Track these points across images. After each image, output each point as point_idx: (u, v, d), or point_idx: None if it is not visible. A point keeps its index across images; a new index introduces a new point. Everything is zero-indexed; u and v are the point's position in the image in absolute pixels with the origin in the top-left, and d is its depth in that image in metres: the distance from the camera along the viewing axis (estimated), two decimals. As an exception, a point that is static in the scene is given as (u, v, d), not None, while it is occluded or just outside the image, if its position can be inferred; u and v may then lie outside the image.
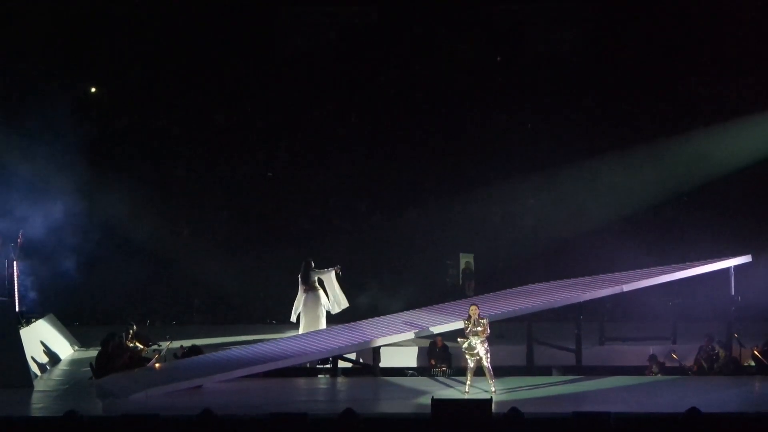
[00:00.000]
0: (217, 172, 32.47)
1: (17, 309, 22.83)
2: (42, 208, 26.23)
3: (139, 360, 21.73)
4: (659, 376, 21.60)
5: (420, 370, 22.73)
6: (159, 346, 22.95)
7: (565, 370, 22.20)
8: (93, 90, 32.25)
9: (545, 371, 22.29)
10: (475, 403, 16.32)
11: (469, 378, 19.13)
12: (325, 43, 33.91)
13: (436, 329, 21.30)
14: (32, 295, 24.83)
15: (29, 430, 16.52)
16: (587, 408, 17.11)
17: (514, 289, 24.37)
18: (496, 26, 33.90)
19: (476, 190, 31.70)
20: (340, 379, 21.68)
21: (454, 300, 25.02)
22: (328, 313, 24.57)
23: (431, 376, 21.67)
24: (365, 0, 34.29)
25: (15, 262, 23.37)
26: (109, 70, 32.06)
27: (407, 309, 24.50)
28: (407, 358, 23.32)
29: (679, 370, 22.15)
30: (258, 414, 16.51)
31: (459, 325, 20.74)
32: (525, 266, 29.38)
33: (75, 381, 21.09)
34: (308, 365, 22.21)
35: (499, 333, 19.76)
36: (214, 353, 22.13)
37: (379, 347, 21.51)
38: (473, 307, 19.11)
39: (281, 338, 23.19)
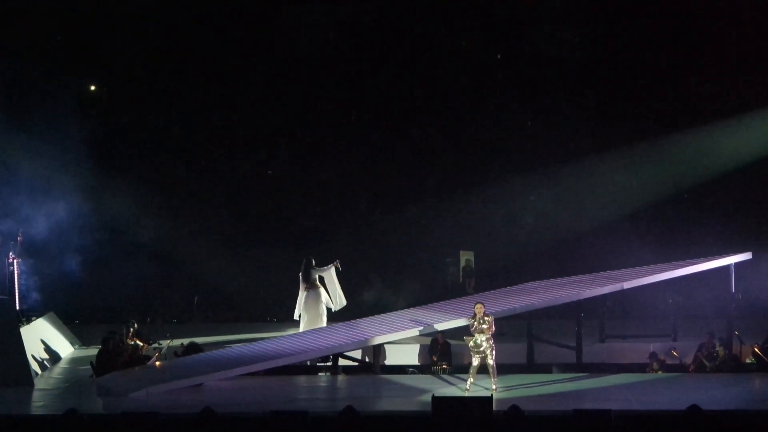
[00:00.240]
0: (217, 170, 32.47)
1: (18, 307, 22.84)
2: (42, 207, 26.25)
3: (139, 358, 21.75)
4: (660, 374, 21.60)
5: (420, 368, 22.74)
6: (159, 344, 22.98)
7: (566, 367, 22.20)
8: (92, 88, 32.22)
9: (546, 369, 22.30)
10: (475, 401, 16.32)
11: (471, 376, 19.14)
12: (325, 42, 33.87)
13: (437, 327, 21.31)
14: (33, 293, 24.84)
15: (30, 429, 16.52)
16: (588, 405, 17.13)
17: (514, 287, 24.39)
18: (497, 24, 33.86)
19: (476, 188, 31.71)
20: (340, 377, 21.69)
21: (455, 298, 25.03)
22: (329, 310, 24.58)
23: (432, 373, 21.68)
24: (365, -2, 34.29)
25: (15, 261, 23.39)
26: (108, 68, 32.03)
27: (408, 307, 24.52)
28: (409, 355, 23.33)
29: (680, 368, 22.15)
30: (259, 412, 16.49)
31: (460, 322, 20.80)
32: (525, 264, 29.40)
33: (75, 379, 21.11)
34: (309, 363, 22.22)
35: (500, 331, 19.74)
36: (214, 351, 22.15)
37: (379, 345, 21.52)
38: (479, 305, 19.15)
39: (282, 336, 23.20)
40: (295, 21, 33.78)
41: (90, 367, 21.19)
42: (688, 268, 22.71)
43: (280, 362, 20.46)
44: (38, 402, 18.93)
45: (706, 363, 21.77)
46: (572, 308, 22.86)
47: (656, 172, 31.61)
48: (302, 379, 21.56)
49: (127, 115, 32.19)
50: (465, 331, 19.56)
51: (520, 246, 30.40)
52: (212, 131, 32.94)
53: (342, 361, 22.05)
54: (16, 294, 23.23)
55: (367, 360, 22.59)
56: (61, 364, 23.01)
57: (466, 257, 30.53)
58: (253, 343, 22.58)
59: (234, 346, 22.74)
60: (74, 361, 23.42)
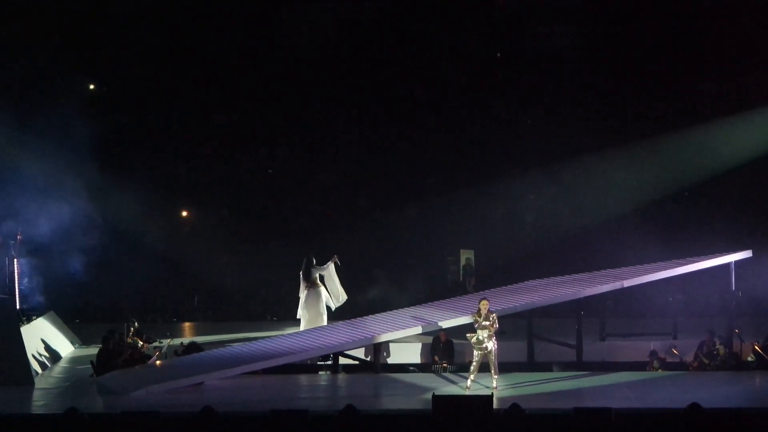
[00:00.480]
0: (217, 169, 32.47)
1: (18, 307, 22.84)
2: (42, 206, 26.24)
3: (139, 357, 21.74)
4: (660, 372, 21.59)
5: (421, 367, 22.74)
6: (160, 343, 22.97)
7: (566, 366, 22.18)
8: (92, 87, 32.22)
9: (546, 367, 22.27)
10: (476, 400, 16.33)
11: (472, 374, 19.15)
12: (326, 40, 33.88)
13: (438, 325, 21.31)
14: (33, 292, 24.84)
15: (30, 428, 16.52)
16: (588, 404, 17.14)
17: (514, 285, 24.38)
18: (497, 22, 33.87)
19: (477, 187, 31.70)
20: (340, 376, 21.68)
21: (455, 296, 25.02)
22: (329, 309, 24.58)
23: (432, 372, 21.68)
24: (366, -4, 34.31)
25: (15, 260, 23.39)
26: (108, 68, 32.03)
27: (408, 305, 24.51)
28: (410, 354, 23.33)
29: (680, 366, 22.14)
30: (259, 411, 16.49)
31: (461, 320, 20.82)
32: (525, 262, 29.39)
33: (76, 378, 21.10)
34: (309, 362, 22.22)
35: (500, 329, 19.76)
36: (214, 350, 22.15)
37: (380, 343, 21.52)
38: (485, 302, 19.18)
39: (282, 335, 23.20)
40: (296, 20, 33.81)
41: (90, 366, 21.18)
42: (689, 266, 22.71)
43: (281, 361, 20.46)
44: (39, 401, 18.93)
45: (706, 361, 21.76)
46: (572, 306, 22.86)
47: (657, 170, 31.63)
48: (303, 378, 21.55)
49: (127, 114, 32.21)
50: (467, 330, 19.57)
51: (520, 244, 30.40)
52: (212, 130, 32.96)
53: (342, 360, 22.05)
54: (17, 293, 23.23)
55: (369, 359, 22.57)
56: (62, 363, 23.00)
57: (466, 255, 30.53)
58: (254, 342, 22.57)
59: (234, 345, 22.73)
60: (74, 360, 23.41)
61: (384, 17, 33.84)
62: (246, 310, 30.09)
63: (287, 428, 15.61)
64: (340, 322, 23.52)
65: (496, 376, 19.11)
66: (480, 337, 19.04)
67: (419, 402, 18.10)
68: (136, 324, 23.33)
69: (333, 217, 32.03)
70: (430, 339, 22.88)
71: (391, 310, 24.07)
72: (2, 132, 26.81)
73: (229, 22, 32.68)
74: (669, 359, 22.38)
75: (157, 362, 21.22)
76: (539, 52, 33.87)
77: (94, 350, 22.27)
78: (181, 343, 22.54)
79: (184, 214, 32.60)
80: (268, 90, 33.12)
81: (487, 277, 29.01)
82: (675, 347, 22.85)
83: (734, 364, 21.75)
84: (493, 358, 19.04)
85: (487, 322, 19.03)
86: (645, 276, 22.55)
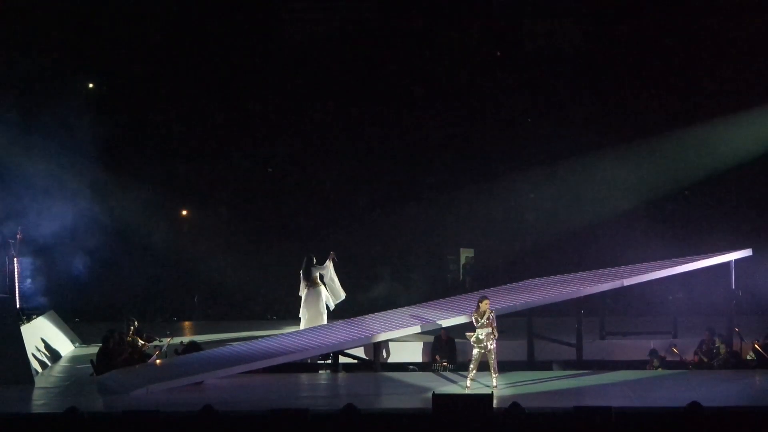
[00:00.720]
0: (217, 168, 32.47)
1: (18, 306, 22.84)
2: (42, 205, 26.25)
3: (139, 356, 21.75)
4: (660, 371, 21.58)
5: (421, 366, 22.74)
6: (160, 342, 22.97)
7: (566, 364, 22.17)
8: (90, 86, 32.21)
9: (546, 366, 22.27)
10: (476, 398, 16.32)
11: (472, 373, 19.16)
12: (326, 38, 33.88)
13: (438, 324, 21.31)
14: (33, 291, 24.84)
15: (30, 427, 16.51)
16: (588, 402, 17.14)
17: (514, 284, 24.38)
18: (496, 21, 33.87)
19: (476, 186, 31.71)
20: (341, 375, 21.68)
21: (455, 295, 25.00)
22: (329, 308, 24.58)
23: (432, 371, 21.68)
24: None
25: (15, 259, 23.39)
26: (107, 67, 32.03)
27: (408, 304, 24.51)
28: (411, 353, 23.33)
29: (680, 365, 22.14)
30: (259, 410, 16.51)
31: (461, 319, 20.82)
32: (525, 261, 29.41)
33: (76, 377, 21.10)
34: (309, 361, 22.22)
35: (500, 328, 19.76)
36: (214, 349, 22.14)
37: (380, 343, 21.52)
38: (486, 301, 19.21)
39: (282, 334, 23.20)
40: (296, 16, 33.80)
41: (90, 365, 21.18)
42: (689, 264, 22.70)
43: (281, 360, 20.45)
44: (39, 400, 18.93)
45: (704, 359, 21.77)
46: (573, 305, 22.86)
47: (657, 168, 31.62)
48: (303, 377, 21.55)
49: (126, 113, 32.21)
50: (467, 329, 19.58)
51: (520, 243, 30.40)
52: (212, 129, 32.95)
53: (342, 359, 22.05)
54: (17, 292, 23.23)
55: (367, 358, 22.57)
56: (62, 363, 23.00)
57: (466, 254, 30.55)
58: (254, 341, 22.58)
59: (234, 344, 22.72)
60: (75, 359, 23.41)
61: (384, 16, 33.85)
62: (246, 309, 30.09)
63: (287, 427, 15.61)
64: (340, 321, 23.52)
65: (495, 375, 19.11)
66: (479, 336, 19.06)
67: (419, 401, 18.09)
68: (136, 323, 23.32)
69: (332, 216, 32.02)
70: (431, 338, 22.88)
71: (391, 309, 24.08)
72: (4, 132, 26.84)
73: (229, 21, 32.66)
74: (669, 358, 22.38)
75: (158, 361, 21.22)
76: (539, 51, 33.87)
77: (94, 349, 22.27)
78: (181, 342, 22.54)
79: (184, 213, 32.59)
80: (267, 88, 33.11)
81: (487, 276, 29.01)
82: (675, 346, 22.84)
83: (734, 362, 21.75)
84: (492, 357, 19.06)
85: (487, 321, 19.04)
86: (645, 274, 22.54)
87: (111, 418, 16.14)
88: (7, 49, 28.67)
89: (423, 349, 23.32)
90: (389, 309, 24.03)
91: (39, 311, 24.25)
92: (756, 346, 22.07)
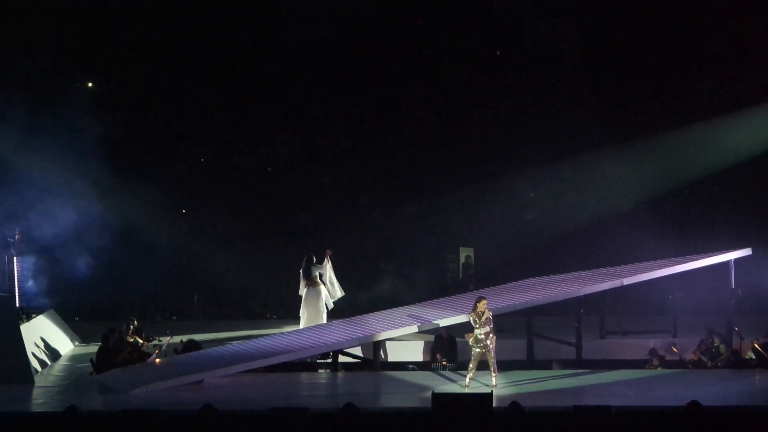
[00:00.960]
0: (216, 167, 32.46)
1: (17, 305, 22.85)
2: (43, 205, 26.25)
3: (139, 355, 21.75)
4: (660, 370, 21.59)
5: (421, 365, 22.75)
6: (159, 341, 22.98)
7: (566, 363, 22.20)
8: (90, 85, 32.19)
9: (546, 365, 22.30)
10: (475, 398, 16.34)
11: (470, 371, 19.16)
12: (325, 37, 33.85)
13: (438, 323, 21.32)
14: (32, 290, 24.84)
15: (30, 426, 16.51)
16: (588, 402, 17.16)
17: (514, 283, 24.39)
18: (496, 20, 33.85)
19: (476, 185, 31.69)
20: (340, 374, 21.69)
21: (455, 294, 25.00)
22: (329, 307, 24.58)
23: (432, 370, 21.69)
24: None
25: (15, 258, 23.40)
26: (106, 67, 32.00)
27: (407, 303, 24.51)
28: (412, 352, 23.34)
29: (680, 364, 22.16)
30: (259, 409, 16.52)
31: (461, 318, 20.83)
32: (525, 260, 29.40)
33: (75, 376, 21.11)
34: (309, 360, 22.23)
35: (499, 327, 19.78)
36: (214, 348, 22.16)
37: (379, 342, 21.53)
38: (483, 301, 19.23)
39: (282, 333, 23.21)
40: (295, 15, 33.77)
41: (90, 364, 21.19)
42: (688, 264, 22.72)
43: (280, 359, 20.47)
44: (38, 399, 18.94)
45: (704, 359, 21.78)
46: (572, 304, 22.86)
47: (656, 167, 31.59)
48: (302, 376, 21.57)
49: (125, 112, 32.17)
50: (466, 328, 19.59)
51: (520, 242, 30.39)
52: (211, 128, 32.93)
53: (342, 358, 22.06)
54: (16, 291, 23.24)
55: (363, 356, 22.58)
56: (61, 362, 23.01)
57: (465, 254, 30.55)
58: (253, 340, 22.59)
59: (234, 343, 22.73)
60: (74, 358, 23.42)
61: (383, 15, 33.81)
62: (246, 308, 30.09)
63: (287, 426, 15.62)
64: (340, 320, 23.52)
65: (495, 375, 19.13)
66: (478, 336, 19.07)
67: (419, 400, 18.10)
68: (135, 322, 23.34)
69: (332, 216, 32.01)
70: (431, 337, 22.89)
71: (389, 308, 24.08)
72: (5, 131, 26.87)
73: (228, 20, 32.63)
74: (669, 357, 22.39)
75: (157, 360, 21.22)
76: (539, 50, 33.84)
77: (93, 348, 22.28)
78: (181, 341, 22.55)
79: (184, 212, 32.57)
80: (266, 87, 33.08)
81: (487, 275, 29.01)
82: (675, 345, 22.86)
83: (734, 361, 21.76)
84: (491, 356, 19.07)
85: (485, 321, 19.05)
86: (645, 274, 22.56)
87: (110, 417, 16.13)
88: (7, 49, 28.66)
89: (424, 348, 23.33)
90: (389, 308, 24.04)
91: (38, 310, 24.26)
92: (755, 345, 22.09)
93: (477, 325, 19.06)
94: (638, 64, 32.60)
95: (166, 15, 32.08)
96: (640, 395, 18.53)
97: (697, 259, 22.83)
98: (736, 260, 22.64)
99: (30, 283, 24.80)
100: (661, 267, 22.82)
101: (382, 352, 22.48)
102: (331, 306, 24.56)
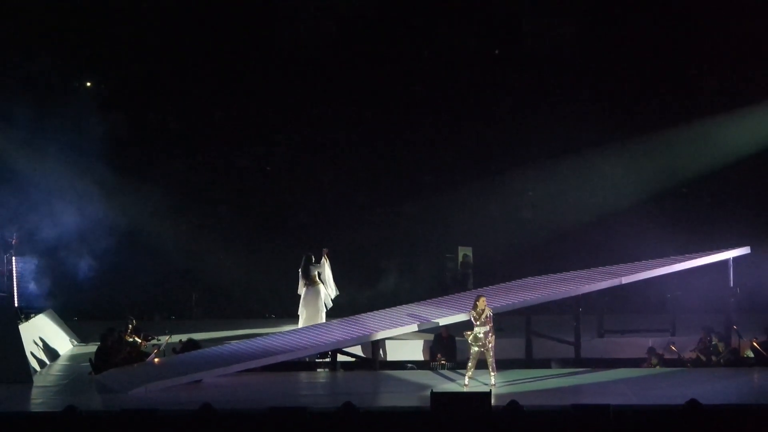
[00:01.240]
0: (215, 166, 32.45)
1: (16, 304, 22.85)
2: (43, 205, 26.26)
3: (138, 355, 21.76)
4: (658, 369, 21.60)
5: (420, 364, 22.75)
6: (158, 340, 22.98)
7: (564, 362, 22.22)
8: (88, 84, 32.17)
9: (544, 364, 22.31)
10: (474, 397, 16.35)
11: (469, 370, 19.17)
12: (324, 36, 33.83)
13: (438, 322, 21.33)
14: (31, 290, 24.84)
15: (28, 426, 16.51)
16: (586, 400, 17.16)
17: (512, 282, 24.38)
18: (495, 19, 33.82)
19: (474, 183, 31.68)
20: (339, 373, 21.70)
21: (454, 293, 25.00)
22: (327, 307, 24.59)
23: (431, 369, 21.69)
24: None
25: (14, 259, 23.40)
26: (106, 64, 31.98)
27: (406, 302, 24.51)
28: (411, 351, 23.35)
29: (679, 362, 22.16)
30: (258, 408, 16.52)
31: (460, 317, 20.84)
32: (523, 259, 29.39)
33: (74, 376, 21.12)
34: (308, 359, 22.24)
35: (498, 326, 19.79)
36: (213, 348, 22.17)
37: (378, 341, 21.54)
38: (483, 299, 19.25)
39: (280, 332, 23.21)
40: (294, 14, 33.75)
41: (89, 364, 21.19)
42: (687, 262, 22.72)
43: (279, 358, 20.48)
44: (37, 399, 18.94)
45: (702, 357, 21.79)
46: (571, 303, 22.86)
47: (655, 166, 31.57)
48: (301, 375, 21.58)
49: (124, 111, 32.16)
50: (466, 327, 19.61)
51: (518, 241, 30.38)
52: (210, 127, 32.91)
53: (341, 357, 22.06)
54: (15, 291, 23.25)
55: (363, 356, 22.57)
56: (60, 361, 23.02)
57: (464, 252, 30.54)
58: (252, 339, 22.59)
59: (233, 342, 22.75)
60: (73, 358, 23.42)
61: (383, 14, 33.79)
62: (244, 308, 30.09)
63: (286, 425, 15.63)
64: (338, 319, 23.53)
65: (494, 373, 19.15)
66: (477, 334, 19.09)
67: (418, 399, 18.11)
68: (134, 321, 23.34)
69: (331, 215, 32.00)
70: (431, 336, 22.89)
71: (388, 307, 24.08)
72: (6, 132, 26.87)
73: (227, 17, 32.60)
74: (667, 356, 22.40)
75: (156, 360, 21.22)
76: (538, 49, 33.80)
77: (92, 348, 22.28)
78: (180, 340, 22.55)
79: (183, 211, 32.54)
80: (265, 86, 33.06)
81: (486, 274, 29.00)
82: (673, 344, 22.87)
83: (733, 360, 21.77)
84: (490, 355, 19.09)
85: (485, 319, 19.08)
86: (643, 272, 22.57)
87: (109, 417, 16.14)
88: (8, 49, 28.65)
89: (423, 347, 23.34)
90: (388, 307, 24.04)
91: (37, 310, 24.26)
92: (754, 343, 22.10)
93: (477, 323, 19.08)
94: (638, 63, 32.58)
95: (165, 14, 32.05)
96: (639, 394, 18.55)
97: (696, 258, 22.84)
98: (735, 259, 22.66)
99: (32, 285, 24.81)
100: (659, 266, 22.83)
101: (381, 352, 22.51)
102: (330, 305, 24.56)
